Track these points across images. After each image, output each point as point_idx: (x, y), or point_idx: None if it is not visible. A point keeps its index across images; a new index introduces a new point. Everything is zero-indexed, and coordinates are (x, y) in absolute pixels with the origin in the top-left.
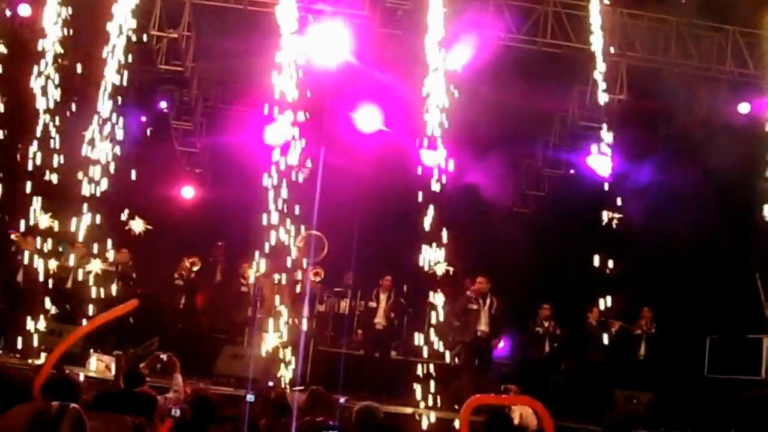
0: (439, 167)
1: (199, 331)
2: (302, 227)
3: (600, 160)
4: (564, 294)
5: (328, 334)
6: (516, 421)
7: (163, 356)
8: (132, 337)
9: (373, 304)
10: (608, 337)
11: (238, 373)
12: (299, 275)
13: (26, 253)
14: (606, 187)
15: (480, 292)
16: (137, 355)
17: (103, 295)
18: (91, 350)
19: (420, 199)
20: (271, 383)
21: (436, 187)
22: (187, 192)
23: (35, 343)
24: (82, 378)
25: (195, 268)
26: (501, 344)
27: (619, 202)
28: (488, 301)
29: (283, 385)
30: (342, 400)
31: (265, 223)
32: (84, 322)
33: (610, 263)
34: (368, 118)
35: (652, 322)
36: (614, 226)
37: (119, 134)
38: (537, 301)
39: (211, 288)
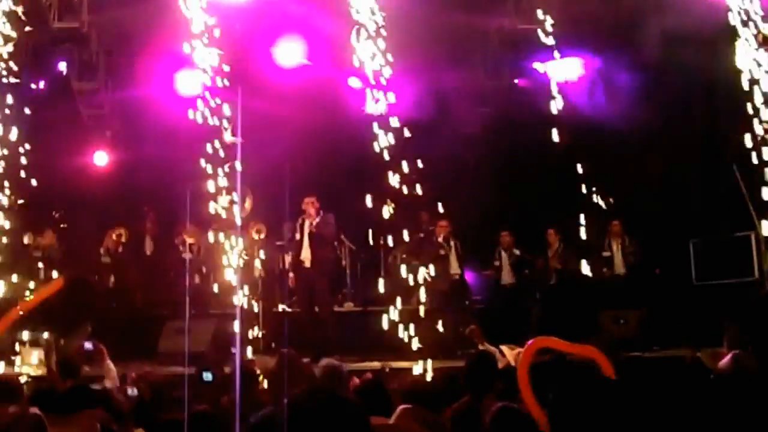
0: (373, 96)
1: (135, 309)
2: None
3: (547, 64)
4: (525, 217)
5: (276, 293)
6: (501, 365)
7: (88, 345)
8: (60, 327)
9: (297, 236)
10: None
11: (185, 349)
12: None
13: None
14: (556, 91)
15: (445, 235)
16: (69, 345)
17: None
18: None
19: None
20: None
21: (373, 109)
22: (100, 158)
23: None
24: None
25: (123, 240)
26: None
27: (571, 106)
28: (452, 243)
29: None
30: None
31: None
32: None
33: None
34: (288, 53)
35: (625, 234)
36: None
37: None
38: (497, 228)
39: (143, 261)
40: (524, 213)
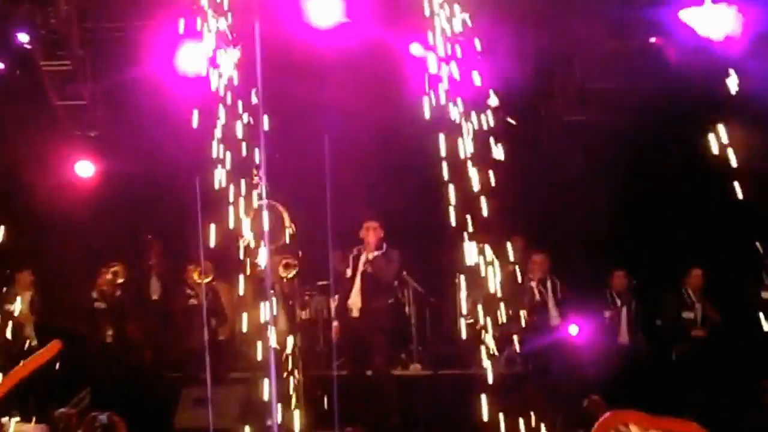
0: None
1: (143, 372)
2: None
3: (703, 14)
4: (654, 250)
5: (320, 350)
6: None
7: (102, 417)
8: (53, 393)
9: (349, 272)
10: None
11: (208, 425)
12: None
13: None
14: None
15: (541, 273)
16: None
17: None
18: (6, 417)
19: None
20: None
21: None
22: (84, 169)
23: None
24: None
25: (120, 281)
26: (574, 330)
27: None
28: (550, 284)
29: None
30: None
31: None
32: None
33: None
34: (324, 10)
35: None
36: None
37: None
38: (610, 263)
39: (148, 307)
40: (652, 244)
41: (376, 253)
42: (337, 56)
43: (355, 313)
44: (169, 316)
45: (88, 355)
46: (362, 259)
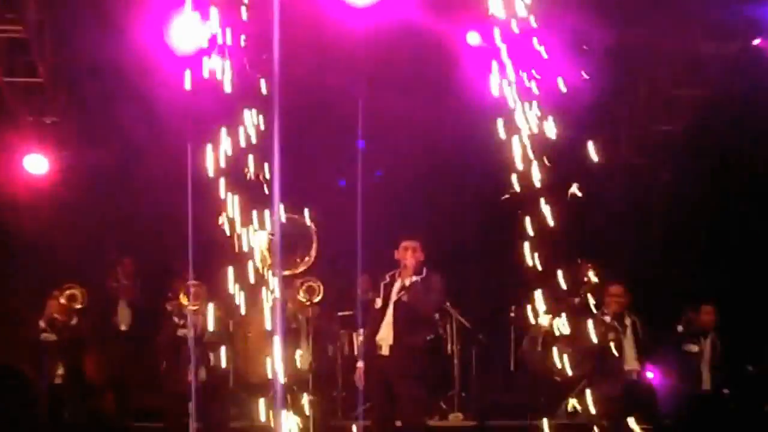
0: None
1: (103, 420)
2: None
3: None
4: (741, 281)
5: (339, 395)
6: None
7: None
8: None
9: (379, 302)
10: None
11: None
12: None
13: None
14: None
15: (616, 308)
16: None
17: None
18: None
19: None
20: None
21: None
22: (36, 164)
23: None
24: None
25: (77, 306)
26: (649, 376)
27: None
28: (629, 321)
29: None
30: None
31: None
32: None
33: None
34: None
35: None
36: None
37: None
38: (694, 296)
39: (114, 341)
40: (742, 274)
41: (414, 278)
42: (374, 42)
43: (384, 351)
44: (143, 350)
45: (29, 400)
46: (396, 286)
